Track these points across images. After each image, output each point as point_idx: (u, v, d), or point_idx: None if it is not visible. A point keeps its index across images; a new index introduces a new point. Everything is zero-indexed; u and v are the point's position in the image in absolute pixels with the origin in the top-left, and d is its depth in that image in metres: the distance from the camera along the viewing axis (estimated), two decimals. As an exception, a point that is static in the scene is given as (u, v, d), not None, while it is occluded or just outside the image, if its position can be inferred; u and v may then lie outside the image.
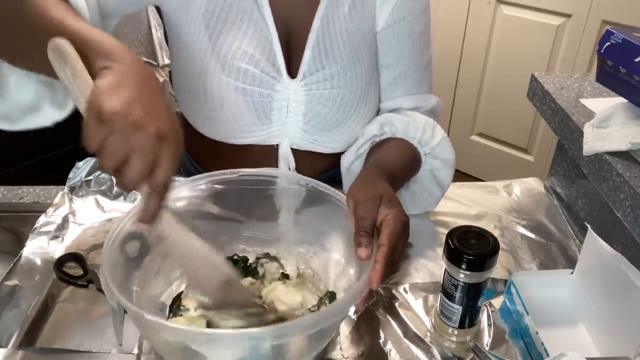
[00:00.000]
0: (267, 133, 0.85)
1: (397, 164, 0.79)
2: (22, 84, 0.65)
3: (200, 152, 0.96)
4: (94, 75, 0.50)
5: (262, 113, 0.82)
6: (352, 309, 0.70)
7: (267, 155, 0.87)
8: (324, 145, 0.87)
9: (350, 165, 0.88)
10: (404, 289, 0.75)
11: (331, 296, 0.68)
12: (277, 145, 0.87)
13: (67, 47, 0.49)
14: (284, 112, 0.83)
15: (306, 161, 0.89)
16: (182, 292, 0.69)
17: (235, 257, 0.74)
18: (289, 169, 0.89)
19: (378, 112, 0.91)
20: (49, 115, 0.68)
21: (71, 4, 0.66)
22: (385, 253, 0.57)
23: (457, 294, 0.64)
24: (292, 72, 0.83)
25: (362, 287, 0.55)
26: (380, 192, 0.63)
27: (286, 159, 0.88)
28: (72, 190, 0.91)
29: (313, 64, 0.82)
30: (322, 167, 0.92)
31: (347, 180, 0.88)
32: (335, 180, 0.91)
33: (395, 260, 0.60)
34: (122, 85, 0.48)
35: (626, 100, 0.82)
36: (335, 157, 0.89)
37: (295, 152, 0.88)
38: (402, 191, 0.87)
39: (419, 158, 0.84)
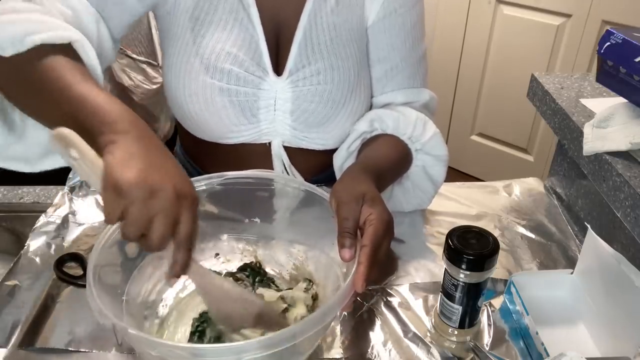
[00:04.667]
0: (257, 132, 0.85)
1: (384, 161, 0.78)
2: (40, 126, 0.66)
3: (196, 152, 0.96)
4: (99, 149, 0.52)
5: (248, 112, 0.82)
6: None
7: (260, 153, 0.87)
8: (315, 142, 0.87)
9: (343, 164, 0.88)
10: (404, 289, 0.75)
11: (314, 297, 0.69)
12: (269, 143, 0.87)
13: (69, 133, 0.52)
14: (271, 110, 0.83)
15: (300, 159, 0.89)
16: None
17: (248, 270, 0.74)
18: (284, 167, 0.89)
19: (371, 107, 0.91)
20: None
21: (81, 56, 0.65)
22: (368, 253, 0.57)
23: (457, 294, 0.64)
24: (280, 69, 0.83)
25: (347, 290, 0.55)
26: (363, 192, 0.63)
27: (279, 157, 0.88)
28: (72, 190, 0.91)
29: (299, 60, 0.82)
30: (317, 164, 0.92)
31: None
32: (331, 180, 0.91)
33: (380, 260, 0.60)
34: (132, 157, 0.50)
35: (626, 100, 0.82)
36: (330, 155, 0.89)
37: (288, 149, 0.88)
38: (395, 188, 0.87)
39: (410, 154, 0.84)
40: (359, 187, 0.64)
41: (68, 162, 0.52)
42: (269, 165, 0.88)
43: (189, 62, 0.81)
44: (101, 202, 0.88)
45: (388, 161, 0.79)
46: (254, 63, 0.81)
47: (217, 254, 0.75)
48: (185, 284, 0.72)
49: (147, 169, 0.50)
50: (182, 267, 0.53)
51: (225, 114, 0.82)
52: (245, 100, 0.81)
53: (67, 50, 0.64)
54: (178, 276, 0.54)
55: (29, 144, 0.68)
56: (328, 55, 0.82)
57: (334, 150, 0.89)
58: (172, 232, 0.51)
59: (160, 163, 0.52)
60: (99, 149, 0.52)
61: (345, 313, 0.70)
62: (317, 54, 0.82)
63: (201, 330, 0.64)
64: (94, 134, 0.53)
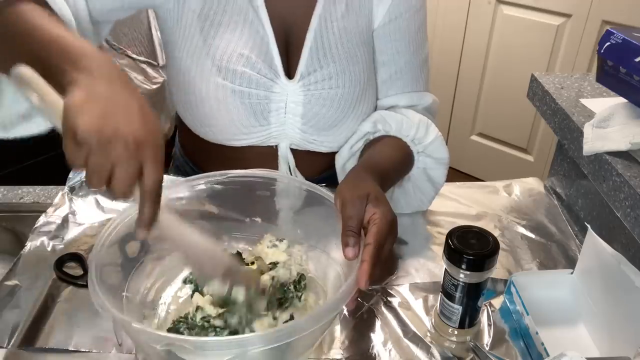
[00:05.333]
0: (266, 134, 0.85)
1: (387, 163, 0.79)
2: (18, 94, 0.66)
3: (198, 154, 0.96)
4: (64, 87, 0.50)
5: (259, 115, 0.82)
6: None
7: (266, 155, 0.87)
8: (323, 145, 0.87)
9: (345, 164, 0.88)
10: (404, 289, 0.75)
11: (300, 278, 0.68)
12: (276, 145, 0.87)
13: (30, 73, 0.50)
14: (282, 113, 0.83)
15: (306, 161, 0.89)
16: None
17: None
18: (289, 169, 0.89)
19: (375, 109, 0.91)
20: (39, 123, 0.70)
21: (57, 13, 0.67)
22: (371, 252, 0.57)
23: (457, 294, 0.64)
24: (291, 72, 0.83)
25: (350, 287, 0.55)
26: (368, 191, 0.63)
27: (286, 159, 0.88)
28: (72, 190, 0.91)
29: (311, 64, 0.82)
30: (322, 166, 0.92)
31: (343, 178, 0.88)
32: (333, 180, 0.91)
33: (383, 259, 0.60)
34: (91, 100, 0.48)
35: (626, 100, 0.82)
36: (334, 157, 0.89)
37: (294, 152, 0.88)
38: (395, 189, 0.87)
39: (412, 156, 0.84)
40: (364, 187, 0.64)
41: (31, 101, 0.51)
42: (274, 167, 0.88)
43: (200, 63, 0.80)
44: (101, 202, 0.89)
45: (391, 162, 0.80)
46: (265, 65, 0.80)
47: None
48: (184, 285, 0.72)
49: (106, 114, 0.48)
50: (148, 219, 0.51)
51: (237, 115, 0.82)
52: (257, 102, 0.81)
53: (39, 2, 0.65)
54: (147, 229, 0.52)
55: (6, 111, 0.68)
56: (339, 59, 0.82)
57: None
58: (137, 181, 0.49)
59: (123, 105, 0.50)
60: (63, 88, 0.50)
61: (346, 313, 0.71)
62: (329, 57, 0.82)
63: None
64: (58, 73, 0.52)
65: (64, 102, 0.49)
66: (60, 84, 0.51)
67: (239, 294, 0.59)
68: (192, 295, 0.67)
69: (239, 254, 0.73)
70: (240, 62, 0.79)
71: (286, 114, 0.83)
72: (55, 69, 0.53)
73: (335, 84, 0.82)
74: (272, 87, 0.81)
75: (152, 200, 0.51)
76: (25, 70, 0.50)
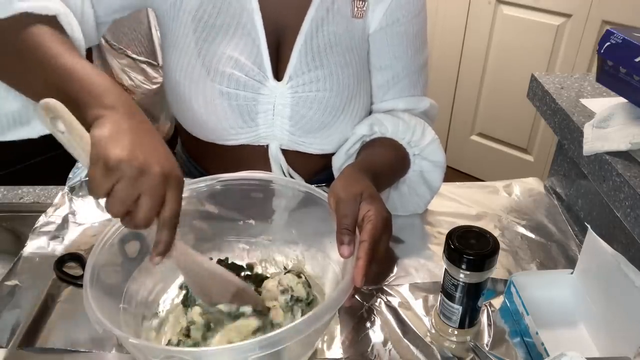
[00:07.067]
0: (255, 135, 0.85)
1: (381, 163, 0.79)
2: (10, 93, 0.66)
3: (197, 152, 0.96)
4: (86, 122, 0.52)
5: (247, 116, 0.83)
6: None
7: (259, 155, 0.87)
8: (313, 146, 0.87)
9: (342, 166, 0.88)
10: (404, 289, 0.75)
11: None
12: (266, 146, 0.87)
13: (59, 105, 0.51)
14: (270, 115, 0.83)
15: (298, 161, 0.89)
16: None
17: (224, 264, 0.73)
18: (281, 169, 0.89)
19: (370, 112, 0.91)
20: (37, 128, 0.70)
21: (65, 29, 0.66)
22: (367, 249, 0.58)
23: (457, 294, 0.64)
24: (280, 74, 0.83)
25: (346, 286, 0.56)
26: (361, 190, 0.63)
27: (277, 159, 0.88)
28: (72, 190, 0.91)
29: (299, 66, 0.82)
30: (314, 167, 0.92)
31: None
32: (331, 181, 0.91)
33: (379, 257, 0.60)
34: (120, 132, 0.50)
35: (626, 100, 0.82)
36: (329, 158, 0.89)
37: (285, 152, 0.88)
38: (391, 192, 0.87)
39: (408, 158, 0.84)
40: (358, 185, 0.64)
41: (54, 134, 0.52)
42: (267, 167, 0.89)
43: (191, 64, 0.81)
44: (101, 202, 0.89)
45: (386, 162, 0.80)
46: (255, 67, 0.80)
47: (210, 259, 0.74)
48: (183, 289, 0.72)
49: (136, 147, 0.50)
50: (166, 246, 0.54)
51: (224, 116, 0.82)
52: (245, 104, 0.82)
53: (51, 22, 0.64)
54: (162, 255, 0.54)
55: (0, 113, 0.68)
56: (328, 62, 0.82)
57: (333, 154, 0.89)
58: (157, 212, 0.51)
59: (148, 141, 0.52)
60: (86, 122, 0.52)
61: (345, 313, 0.71)
62: (317, 61, 0.82)
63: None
64: (80, 106, 0.53)
65: (94, 133, 0.50)
66: (82, 116, 0.52)
67: (247, 310, 0.62)
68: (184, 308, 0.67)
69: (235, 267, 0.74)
70: (229, 64, 0.80)
71: (274, 115, 0.83)
72: (77, 101, 0.54)
73: (322, 86, 0.82)
74: (260, 89, 0.81)
75: (170, 228, 0.53)
76: (53, 102, 0.51)
